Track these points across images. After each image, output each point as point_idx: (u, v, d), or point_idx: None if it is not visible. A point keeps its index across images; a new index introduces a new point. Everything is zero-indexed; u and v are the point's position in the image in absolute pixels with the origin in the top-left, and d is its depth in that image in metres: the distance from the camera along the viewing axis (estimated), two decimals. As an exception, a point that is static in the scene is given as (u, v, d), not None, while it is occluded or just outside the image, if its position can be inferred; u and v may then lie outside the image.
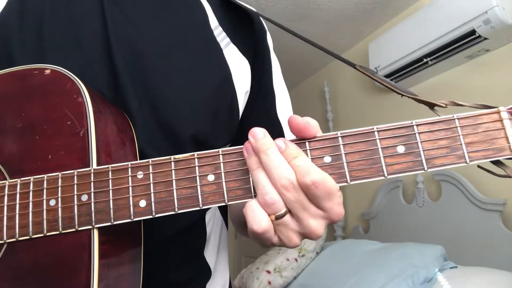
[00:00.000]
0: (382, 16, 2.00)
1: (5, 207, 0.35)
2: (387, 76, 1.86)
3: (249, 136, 0.32)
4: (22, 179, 0.35)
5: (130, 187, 0.33)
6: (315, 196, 0.30)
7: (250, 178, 0.32)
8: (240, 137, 0.54)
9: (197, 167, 0.33)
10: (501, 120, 0.31)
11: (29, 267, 0.34)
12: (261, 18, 0.57)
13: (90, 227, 0.33)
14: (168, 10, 0.51)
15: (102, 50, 0.46)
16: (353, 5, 1.89)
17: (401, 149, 0.31)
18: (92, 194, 0.33)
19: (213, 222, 0.54)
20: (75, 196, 0.33)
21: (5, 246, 0.35)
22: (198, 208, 0.32)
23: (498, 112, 0.31)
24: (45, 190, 0.34)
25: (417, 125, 0.32)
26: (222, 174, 0.32)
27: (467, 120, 0.31)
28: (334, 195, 0.31)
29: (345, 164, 0.31)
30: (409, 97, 0.37)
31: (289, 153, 0.31)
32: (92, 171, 0.34)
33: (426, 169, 0.31)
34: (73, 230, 0.33)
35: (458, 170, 1.55)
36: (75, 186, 0.34)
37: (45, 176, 0.34)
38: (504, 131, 0.31)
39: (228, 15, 0.55)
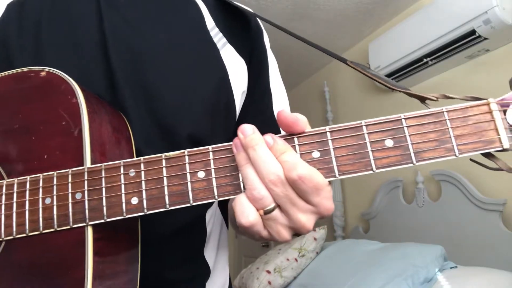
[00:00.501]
0: (382, 16, 2.00)
1: (3, 206, 0.36)
2: (387, 76, 1.86)
3: (238, 132, 0.32)
4: (19, 178, 0.36)
5: (123, 185, 0.33)
6: (303, 191, 0.30)
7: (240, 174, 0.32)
8: None
9: (187, 164, 0.33)
10: (490, 112, 0.31)
11: (26, 264, 0.34)
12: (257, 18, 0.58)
13: (84, 224, 0.33)
14: (164, 11, 0.52)
15: (99, 50, 0.46)
16: (353, 5, 1.89)
17: (389, 143, 0.31)
18: (86, 192, 0.34)
19: (213, 221, 0.54)
20: (70, 194, 0.34)
21: (3, 243, 0.35)
22: (189, 205, 0.33)
23: (488, 104, 0.31)
24: (41, 189, 0.35)
25: (405, 119, 0.31)
26: (212, 170, 0.33)
27: (457, 112, 0.31)
28: (322, 190, 0.31)
29: (333, 158, 0.31)
30: (400, 91, 0.37)
31: (277, 149, 0.31)
32: (86, 170, 0.34)
33: (415, 162, 0.30)
34: (68, 227, 0.34)
35: (458, 170, 1.54)
36: (70, 184, 0.34)
37: (41, 175, 0.35)
38: (494, 123, 0.30)
39: (224, 16, 0.55)
